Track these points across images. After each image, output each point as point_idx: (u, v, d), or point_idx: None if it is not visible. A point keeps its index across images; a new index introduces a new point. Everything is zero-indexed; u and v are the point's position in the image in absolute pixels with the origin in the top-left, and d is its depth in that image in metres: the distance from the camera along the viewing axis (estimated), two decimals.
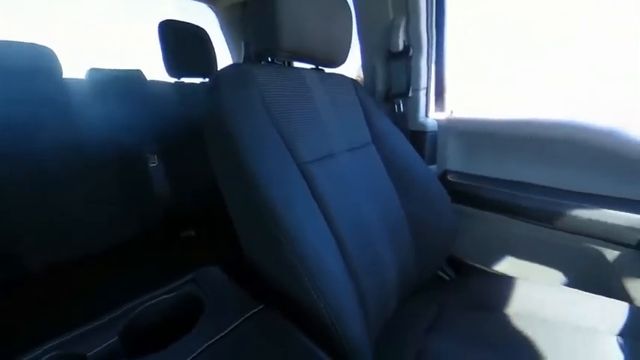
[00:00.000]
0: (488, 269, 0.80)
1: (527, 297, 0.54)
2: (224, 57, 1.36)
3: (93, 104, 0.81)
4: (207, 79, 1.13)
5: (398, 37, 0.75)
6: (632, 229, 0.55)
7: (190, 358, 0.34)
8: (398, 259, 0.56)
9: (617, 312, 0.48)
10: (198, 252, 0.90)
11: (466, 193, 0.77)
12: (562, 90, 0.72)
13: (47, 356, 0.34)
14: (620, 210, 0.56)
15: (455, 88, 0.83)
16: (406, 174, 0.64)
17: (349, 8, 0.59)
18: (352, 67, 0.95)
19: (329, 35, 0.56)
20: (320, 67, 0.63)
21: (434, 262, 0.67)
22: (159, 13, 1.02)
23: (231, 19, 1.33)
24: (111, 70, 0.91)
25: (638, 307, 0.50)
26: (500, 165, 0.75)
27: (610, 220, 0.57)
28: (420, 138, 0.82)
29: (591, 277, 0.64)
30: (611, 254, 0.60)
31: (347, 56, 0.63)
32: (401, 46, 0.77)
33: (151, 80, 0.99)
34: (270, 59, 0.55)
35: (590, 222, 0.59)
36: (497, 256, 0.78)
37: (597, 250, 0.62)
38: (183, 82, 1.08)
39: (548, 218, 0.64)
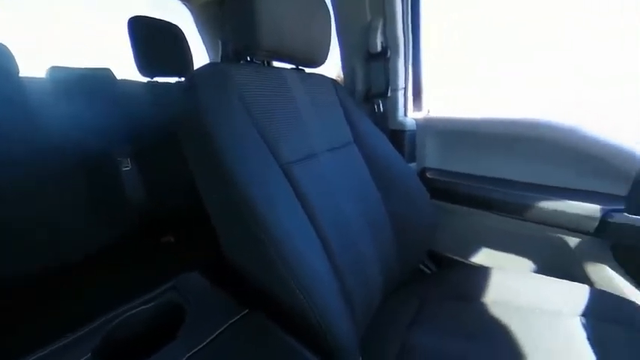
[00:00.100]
0: (466, 261, 0.84)
1: (502, 285, 0.58)
2: (200, 56, 1.32)
3: (56, 105, 0.76)
4: (182, 79, 1.09)
5: (376, 38, 0.77)
6: (590, 218, 0.60)
7: None
8: (381, 256, 0.58)
9: (579, 294, 0.52)
10: (178, 258, 0.87)
11: (444, 189, 0.80)
12: (531, 90, 0.78)
13: None
14: (579, 200, 0.62)
15: (431, 88, 0.87)
16: (387, 172, 0.65)
17: (328, 9, 0.60)
18: (332, 67, 0.96)
19: (308, 35, 0.56)
20: (300, 67, 0.63)
21: (415, 256, 0.70)
22: (132, 10, 0.96)
23: (207, 17, 1.29)
24: (75, 68, 0.85)
25: (597, 289, 0.55)
26: (475, 162, 0.78)
27: (571, 210, 0.62)
28: (399, 137, 0.84)
29: (556, 263, 0.69)
30: (572, 241, 0.66)
31: (327, 56, 0.63)
32: (379, 48, 0.78)
33: (121, 79, 0.94)
34: (249, 59, 0.54)
35: (554, 212, 0.64)
36: (474, 248, 0.82)
37: (561, 238, 0.67)
38: (156, 81, 1.03)
39: (518, 210, 0.69)
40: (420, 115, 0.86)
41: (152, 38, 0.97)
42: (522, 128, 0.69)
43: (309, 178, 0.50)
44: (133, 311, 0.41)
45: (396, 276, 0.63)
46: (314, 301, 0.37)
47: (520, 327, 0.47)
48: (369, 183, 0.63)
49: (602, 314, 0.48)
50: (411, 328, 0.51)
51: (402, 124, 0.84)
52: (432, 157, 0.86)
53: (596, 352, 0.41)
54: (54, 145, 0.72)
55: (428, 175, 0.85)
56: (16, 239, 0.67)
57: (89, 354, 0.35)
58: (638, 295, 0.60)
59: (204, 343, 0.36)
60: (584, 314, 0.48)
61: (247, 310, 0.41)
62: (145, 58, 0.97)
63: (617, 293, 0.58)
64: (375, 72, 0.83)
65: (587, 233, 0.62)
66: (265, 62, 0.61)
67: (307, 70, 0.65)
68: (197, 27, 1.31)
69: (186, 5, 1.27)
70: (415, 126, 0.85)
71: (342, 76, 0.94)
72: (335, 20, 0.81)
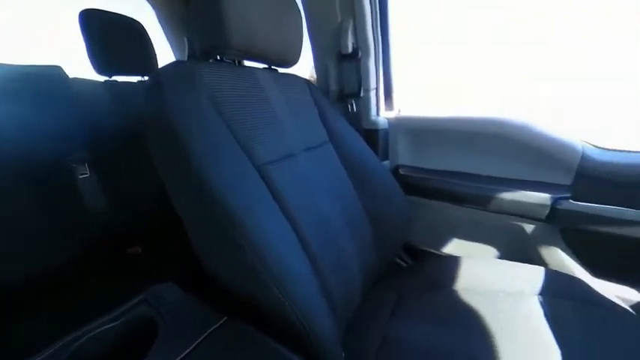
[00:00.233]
0: (438, 252, 0.89)
1: (470, 273, 0.62)
2: (166, 54, 1.25)
3: None
4: (146, 78, 1.03)
5: (347, 39, 0.78)
6: (542, 206, 0.67)
7: None
8: (360, 253, 0.59)
9: (536, 276, 0.58)
10: (148, 269, 0.81)
11: (416, 185, 0.84)
12: (488, 90, 0.84)
13: None
14: (533, 190, 0.68)
15: (400, 89, 0.90)
16: (362, 170, 0.67)
17: (298, 8, 0.60)
18: (305, 68, 0.96)
19: (279, 34, 0.56)
20: (273, 67, 0.63)
21: (392, 251, 0.72)
22: (85, 3, 0.87)
23: (171, 14, 1.22)
24: (17, 65, 0.76)
25: (551, 270, 0.61)
26: (443, 158, 0.83)
27: (526, 200, 0.68)
28: (373, 136, 0.86)
29: (516, 248, 0.76)
30: (529, 228, 0.72)
31: (299, 56, 0.63)
32: (350, 48, 0.80)
33: (74, 78, 0.85)
34: (219, 57, 0.52)
35: (512, 202, 0.70)
36: (446, 240, 0.87)
37: (519, 226, 0.73)
38: (115, 81, 0.95)
39: (482, 202, 0.74)
40: (392, 114, 0.89)
41: (109, 34, 0.89)
42: (482, 126, 0.75)
43: (286, 179, 0.49)
44: (100, 329, 0.38)
45: (374, 271, 0.64)
46: (296, 303, 0.37)
47: (487, 309, 0.51)
48: (346, 181, 0.64)
49: (556, 292, 0.53)
50: (390, 320, 0.53)
51: (375, 123, 0.87)
52: (404, 155, 0.89)
53: (552, 326, 0.46)
54: None
55: (401, 172, 0.88)
56: None
57: None
58: (584, 273, 0.68)
59: (181, 356, 0.34)
60: (542, 293, 0.53)
61: (226, 318, 0.40)
62: (102, 56, 0.90)
63: (567, 272, 0.65)
64: (347, 72, 0.85)
65: (540, 220, 0.69)
66: (236, 61, 0.59)
67: (280, 70, 0.64)
68: (160, 24, 1.24)
69: (148, 1, 1.20)
70: (387, 125, 0.88)
71: (315, 76, 0.94)
72: (306, 20, 0.81)
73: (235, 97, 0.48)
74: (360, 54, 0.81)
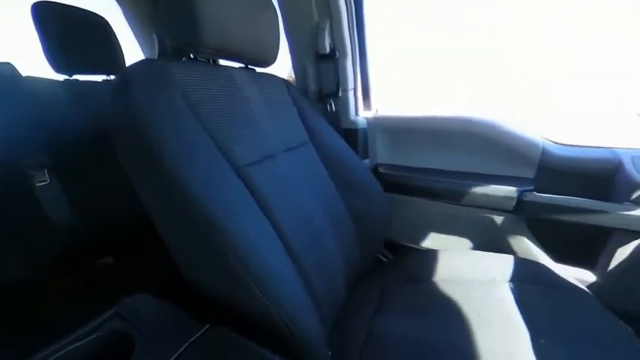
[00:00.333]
0: (418, 246, 0.92)
1: (448, 264, 0.65)
2: (133, 51, 1.18)
3: None
4: (112, 77, 0.96)
5: (324, 39, 0.79)
6: (509, 198, 0.72)
7: None
8: (343, 251, 0.59)
9: (506, 264, 0.62)
10: (121, 280, 0.76)
11: (396, 182, 0.86)
12: (459, 90, 0.89)
13: None
14: (501, 184, 0.73)
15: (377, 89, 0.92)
16: (343, 169, 0.68)
17: (274, 8, 0.59)
18: (283, 68, 0.95)
19: (256, 33, 0.55)
20: (250, 67, 0.61)
21: (374, 247, 0.74)
22: None
23: (137, 9, 1.15)
24: None
25: (519, 258, 0.66)
26: (420, 156, 0.86)
27: (495, 193, 0.73)
28: (352, 135, 0.88)
29: (488, 239, 0.81)
30: (498, 219, 0.77)
31: (276, 56, 0.62)
32: (328, 49, 0.80)
33: (28, 77, 0.78)
34: (192, 56, 0.50)
35: (483, 196, 0.75)
36: (424, 234, 0.91)
37: (490, 218, 0.78)
38: (77, 79, 0.88)
39: (456, 197, 0.78)
40: (370, 114, 0.91)
41: (67, 29, 0.82)
42: (454, 124, 0.78)
43: (267, 180, 0.48)
44: (68, 348, 0.35)
45: (358, 268, 0.66)
46: (281, 305, 0.37)
47: (464, 298, 0.54)
48: (327, 181, 0.65)
49: (524, 278, 0.57)
50: (374, 316, 0.54)
51: (354, 123, 0.88)
52: (383, 154, 0.92)
53: (520, 310, 0.49)
54: None
55: (380, 170, 0.90)
56: None
57: None
58: (547, 259, 0.73)
59: None
60: (511, 280, 0.57)
61: (208, 326, 0.38)
62: (60, 53, 0.83)
63: (533, 259, 0.70)
64: (325, 73, 0.85)
65: (508, 211, 0.74)
66: (211, 60, 0.58)
67: (258, 69, 0.63)
68: (127, 20, 1.17)
69: None
70: (366, 124, 0.90)
71: (293, 76, 0.94)
72: (283, 20, 0.81)
73: (211, 97, 0.47)
74: (337, 54, 0.82)
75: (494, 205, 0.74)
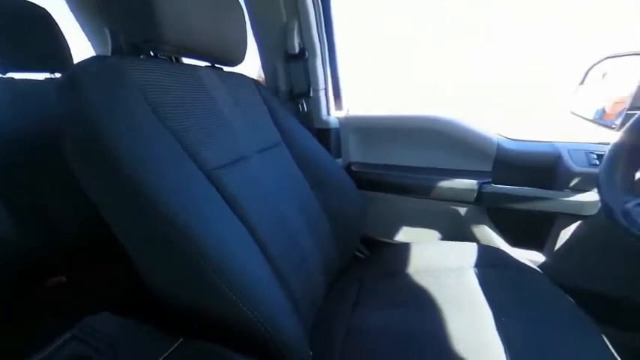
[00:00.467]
0: (392, 241, 0.96)
1: (420, 256, 0.68)
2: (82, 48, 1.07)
3: None
4: (57, 75, 0.86)
5: (293, 39, 0.78)
6: (471, 190, 0.78)
7: None
8: (320, 250, 0.60)
9: (471, 251, 0.67)
10: (77, 300, 0.69)
11: (368, 180, 0.89)
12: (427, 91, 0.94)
13: None
14: (464, 178, 0.79)
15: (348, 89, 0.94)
16: (317, 169, 0.68)
17: (240, 6, 0.57)
18: (252, 68, 0.93)
19: (221, 31, 0.53)
20: (217, 66, 0.59)
21: (351, 245, 0.75)
22: None
23: (85, 1, 1.04)
24: None
25: (482, 245, 0.71)
26: (390, 153, 0.90)
27: (459, 186, 0.79)
28: (324, 135, 0.88)
29: (454, 229, 0.86)
30: (462, 211, 0.83)
31: (244, 55, 0.61)
32: (297, 49, 0.80)
33: None
34: (152, 53, 0.47)
35: (448, 189, 0.80)
36: (398, 229, 0.95)
37: (455, 209, 0.84)
38: (12, 78, 0.78)
39: (424, 191, 0.83)
40: (341, 114, 0.93)
41: (1, 21, 0.72)
42: (419, 122, 0.83)
43: (240, 183, 0.47)
44: None
45: (335, 266, 0.66)
46: (260, 311, 0.36)
47: (435, 287, 0.57)
48: (301, 181, 0.65)
49: (486, 263, 0.63)
50: (353, 312, 0.55)
51: (326, 122, 0.89)
52: (355, 152, 0.94)
53: (485, 292, 0.54)
54: None
55: (353, 168, 0.92)
56: None
57: None
58: (505, 244, 0.81)
59: None
60: (476, 265, 0.62)
61: (182, 340, 0.36)
62: None
63: (493, 245, 0.77)
64: (295, 72, 0.85)
65: (470, 203, 0.80)
66: (173, 58, 0.54)
67: (225, 68, 0.61)
68: (71, 10, 1.05)
69: None
70: (338, 124, 0.91)
71: (262, 76, 0.92)
72: (250, 19, 0.79)
73: (174, 97, 0.44)
74: (307, 54, 0.82)
75: (459, 197, 0.80)
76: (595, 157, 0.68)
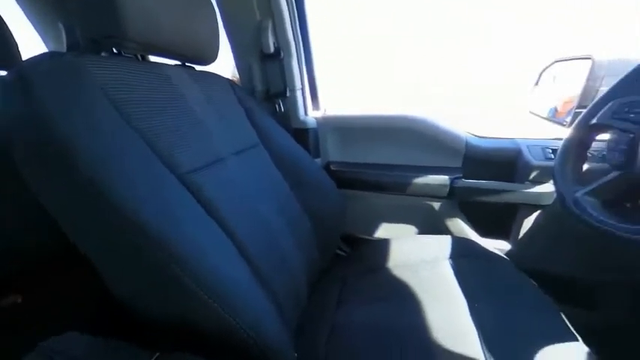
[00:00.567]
0: (372, 237, 0.98)
1: (398, 250, 0.71)
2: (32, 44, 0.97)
3: None
4: (2, 72, 0.77)
5: (267, 38, 0.77)
6: (444, 185, 0.82)
7: None
8: (302, 250, 0.60)
9: (445, 244, 0.70)
10: (36, 321, 0.62)
11: (347, 178, 0.90)
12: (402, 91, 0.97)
13: None
14: (437, 174, 0.82)
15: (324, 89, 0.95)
16: (297, 169, 0.68)
17: (211, 4, 0.55)
18: (225, 67, 0.90)
19: (191, 28, 0.50)
20: (188, 65, 0.57)
21: (332, 243, 0.76)
22: None
23: None
24: None
25: (455, 237, 0.75)
26: (367, 152, 0.92)
27: (432, 182, 0.83)
28: (302, 135, 0.88)
29: (429, 223, 0.90)
30: (436, 205, 0.88)
31: (217, 53, 0.59)
32: (272, 48, 0.79)
33: None
34: (115, 51, 0.44)
35: (424, 185, 0.84)
36: (376, 225, 0.97)
37: (430, 204, 0.88)
38: None
39: (401, 188, 0.86)
40: (319, 113, 0.93)
41: None
42: (394, 121, 0.86)
43: (215, 186, 0.45)
44: None
45: (317, 265, 0.66)
46: (241, 317, 0.35)
47: (414, 280, 0.59)
48: (281, 182, 0.64)
49: (459, 254, 0.66)
50: (336, 310, 0.56)
51: (303, 122, 0.89)
52: (333, 152, 0.95)
53: (459, 281, 0.57)
54: None
55: (332, 167, 0.93)
56: None
57: None
58: (476, 235, 0.86)
59: None
60: (451, 257, 0.65)
61: (158, 354, 0.34)
62: None
63: (465, 237, 0.82)
64: (271, 72, 0.84)
65: (443, 197, 0.84)
66: (139, 56, 0.51)
67: (197, 68, 0.58)
68: (18, 3, 0.95)
69: None
70: (316, 124, 0.91)
71: (237, 76, 0.90)
72: (222, 18, 0.76)
73: (140, 95, 0.41)
74: (282, 54, 0.81)
75: (433, 192, 0.84)
76: (550, 151, 0.74)
